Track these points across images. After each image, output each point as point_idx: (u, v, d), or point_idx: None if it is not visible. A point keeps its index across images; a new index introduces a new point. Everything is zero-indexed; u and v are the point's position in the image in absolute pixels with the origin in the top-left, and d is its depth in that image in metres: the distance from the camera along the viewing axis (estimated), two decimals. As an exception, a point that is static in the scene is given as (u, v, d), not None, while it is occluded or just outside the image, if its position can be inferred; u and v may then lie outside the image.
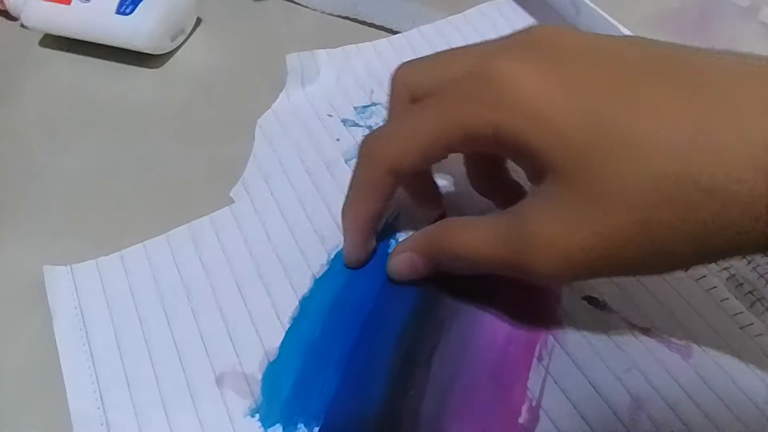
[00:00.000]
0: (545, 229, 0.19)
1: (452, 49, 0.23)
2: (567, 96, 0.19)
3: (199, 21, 0.39)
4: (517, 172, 0.24)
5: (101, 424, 0.22)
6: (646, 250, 0.18)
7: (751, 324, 0.24)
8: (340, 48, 0.35)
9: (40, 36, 0.38)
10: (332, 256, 0.26)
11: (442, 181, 0.28)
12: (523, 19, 0.36)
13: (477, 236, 0.22)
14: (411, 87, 0.23)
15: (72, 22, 0.35)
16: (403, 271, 0.24)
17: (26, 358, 0.24)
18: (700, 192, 0.17)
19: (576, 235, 0.19)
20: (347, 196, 0.25)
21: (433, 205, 0.26)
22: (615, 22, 0.33)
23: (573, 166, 0.19)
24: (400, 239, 0.26)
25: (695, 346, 0.23)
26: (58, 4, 0.35)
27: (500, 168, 0.26)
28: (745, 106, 0.17)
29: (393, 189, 0.23)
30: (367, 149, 0.23)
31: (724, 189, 0.17)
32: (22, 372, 0.24)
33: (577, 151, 0.18)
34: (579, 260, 0.19)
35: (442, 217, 0.27)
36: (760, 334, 0.24)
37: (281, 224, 0.27)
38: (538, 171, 0.20)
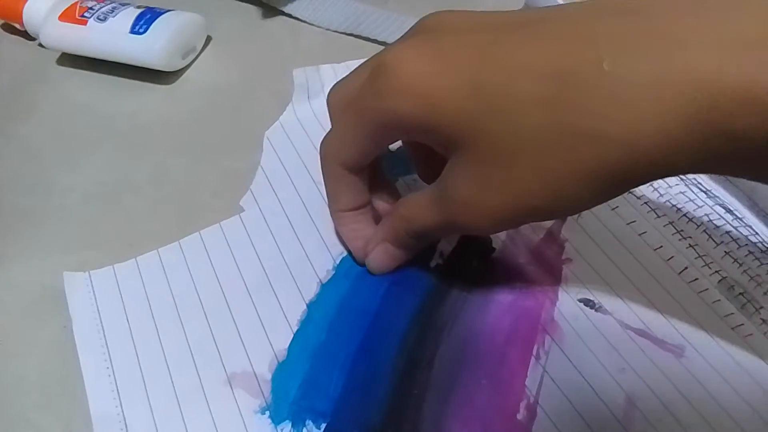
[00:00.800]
0: (461, 194, 0.21)
1: (372, 56, 0.25)
2: (447, 71, 0.20)
3: (209, 39, 0.40)
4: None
5: (119, 422, 0.23)
6: (547, 197, 0.19)
7: (742, 324, 0.25)
8: (344, 63, 0.36)
9: (58, 55, 0.39)
10: (338, 262, 0.27)
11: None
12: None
13: (419, 208, 0.24)
14: (340, 102, 0.25)
15: (88, 41, 0.37)
16: (384, 263, 0.26)
17: (46, 362, 0.25)
18: (575, 138, 0.18)
19: (487, 193, 0.20)
20: (327, 198, 0.27)
21: (389, 198, 0.28)
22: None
23: (467, 136, 0.20)
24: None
25: (688, 346, 0.24)
26: (75, 25, 0.36)
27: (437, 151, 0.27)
28: (600, 40, 0.17)
29: (355, 180, 0.25)
30: (321, 152, 0.25)
31: (593, 133, 0.17)
32: (43, 375, 0.25)
33: (465, 122, 0.20)
34: (497, 214, 0.21)
35: None
36: (751, 334, 0.25)
37: (289, 232, 0.29)
38: (442, 146, 0.21)
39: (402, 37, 0.23)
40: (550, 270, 0.27)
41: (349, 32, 0.40)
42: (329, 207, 0.27)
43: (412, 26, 0.23)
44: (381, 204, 0.27)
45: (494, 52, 0.19)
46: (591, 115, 0.17)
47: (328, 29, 0.40)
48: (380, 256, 0.26)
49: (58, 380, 0.25)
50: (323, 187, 0.30)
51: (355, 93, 0.23)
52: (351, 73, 0.25)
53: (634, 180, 0.18)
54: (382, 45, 0.39)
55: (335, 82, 0.26)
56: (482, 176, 0.20)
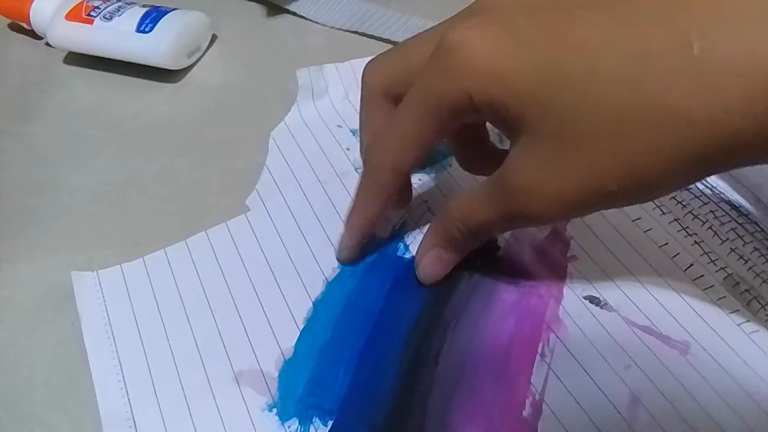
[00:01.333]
0: (528, 179, 0.20)
1: (413, 37, 0.25)
2: (517, 50, 0.19)
3: (214, 38, 0.40)
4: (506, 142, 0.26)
5: (128, 420, 0.23)
6: (626, 180, 0.19)
7: (747, 321, 0.25)
8: (347, 62, 0.36)
9: (64, 54, 0.39)
10: (343, 260, 0.27)
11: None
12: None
13: (475, 204, 0.23)
14: (383, 83, 0.24)
15: (94, 40, 0.37)
16: (436, 270, 0.26)
17: (54, 359, 0.26)
18: (660, 118, 0.17)
19: (558, 177, 0.20)
20: (355, 201, 0.26)
21: (405, 201, 0.28)
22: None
23: (539, 116, 0.19)
24: (408, 243, 0.28)
25: (693, 343, 0.24)
26: (82, 24, 0.37)
27: (484, 141, 0.27)
28: (684, 17, 0.17)
29: (398, 188, 0.24)
30: (371, 156, 0.24)
31: (679, 113, 0.17)
32: (51, 373, 0.25)
33: (538, 102, 0.19)
34: (568, 199, 0.20)
35: None
36: (756, 331, 0.25)
37: (294, 230, 0.29)
38: (511, 127, 0.21)
39: (460, 15, 0.23)
40: (555, 268, 0.27)
41: (353, 30, 0.40)
42: (355, 214, 0.26)
43: (468, 6, 0.22)
44: (393, 215, 0.28)
45: (572, 30, 0.19)
46: (678, 95, 0.17)
47: (332, 27, 0.40)
48: (433, 262, 0.25)
49: (66, 377, 0.25)
50: (329, 186, 0.30)
51: (408, 75, 0.22)
52: (390, 52, 0.25)
53: (719, 164, 0.18)
54: (386, 43, 0.39)
55: (369, 60, 0.25)
56: (554, 159, 0.20)
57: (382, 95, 0.25)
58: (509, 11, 0.21)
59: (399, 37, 0.38)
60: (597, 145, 0.19)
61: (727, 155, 0.17)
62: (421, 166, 0.31)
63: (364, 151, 0.25)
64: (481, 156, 0.27)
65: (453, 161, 0.30)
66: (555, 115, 0.19)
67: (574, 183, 0.19)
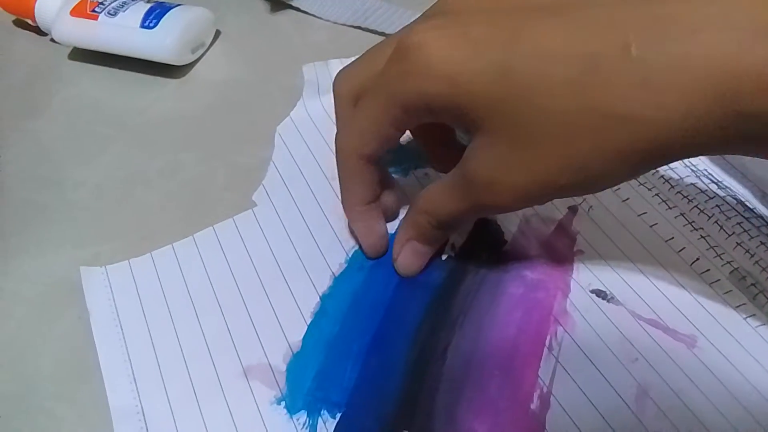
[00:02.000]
0: (486, 174, 0.21)
1: (380, 42, 0.25)
2: (475, 52, 0.20)
3: (218, 33, 0.40)
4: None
5: (137, 413, 0.23)
6: (573, 175, 0.20)
7: (753, 315, 0.25)
8: (353, 58, 0.36)
9: (69, 50, 0.39)
10: (350, 256, 0.28)
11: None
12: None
13: (441, 197, 0.24)
14: (351, 90, 0.25)
15: (99, 36, 0.37)
16: (414, 263, 0.26)
17: (61, 352, 0.26)
18: (603, 119, 0.18)
19: (512, 173, 0.21)
20: (341, 193, 0.27)
21: (393, 192, 0.28)
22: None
23: (492, 116, 0.20)
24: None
25: (700, 336, 0.24)
26: (86, 20, 0.37)
27: (451, 140, 0.28)
28: (625, 26, 0.18)
29: (370, 173, 0.25)
30: (337, 145, 0.25)
31: (621, 114, 0.18)
32: (58, 366, 0.25)
33: (491, 103, 0.20)
34: (523, 192, 0.21)
35: None
36: (763, 324, 0.25)
37: (302, 226, 0.29)
38: (467, 127, 0.21)
39: (421, 18, 0.23)
40: (561, 262, 0.27)
41: (356, 26, 0.40)
42: (343, 203, 0.27)
43: (432, 6, 0.23)
44: (388, 199, 0.27)
45: (524, 35, 0.19)
46: (620, 97, 0.18)
47: (335, 23, 0.40)
48: (409, 256, 0.26)
49: (73, 370, 0.25)
50: (335, 182, 0.30)
51: (373, 78, 0.23)
52: (358, 60, 0.25)
53: (661, 159, 0.19)
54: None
55: (339, 71, 0.26)
56: (507, 157, 0.21)
57: (351, 102, 0.25)
58: (466, 14, 0.21)
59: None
60: (546, 145, 0.20)
61: (672, 151, 0.19)
62: (390, 158, 0.31)
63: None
64: (450, 154, 0.27)
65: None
66: (508, 117, 0.20)
67: (527, 177, 0.21)
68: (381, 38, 0.38)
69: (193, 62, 0.38)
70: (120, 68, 0.38)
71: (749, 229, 0.27)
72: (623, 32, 0.18)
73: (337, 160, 0.26)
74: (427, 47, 0.21)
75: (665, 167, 0.30)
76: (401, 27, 0.38)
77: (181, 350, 0.25)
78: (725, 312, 0.25)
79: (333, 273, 0.27)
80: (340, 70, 0.26)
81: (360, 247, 0.27)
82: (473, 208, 0.23)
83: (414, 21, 0.23)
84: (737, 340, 0.24)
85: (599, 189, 0.22)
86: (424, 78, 0.21)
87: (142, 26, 0.36)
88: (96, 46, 0.38)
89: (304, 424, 0.23)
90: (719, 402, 0.23)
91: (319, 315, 0.26)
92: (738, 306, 0.25)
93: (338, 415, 0.23)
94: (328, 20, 0.41)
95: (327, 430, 0.23)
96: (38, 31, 0.40)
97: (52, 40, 0.39)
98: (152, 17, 0.36)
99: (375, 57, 0.24)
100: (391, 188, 0.28)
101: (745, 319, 0.25)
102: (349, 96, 0.25)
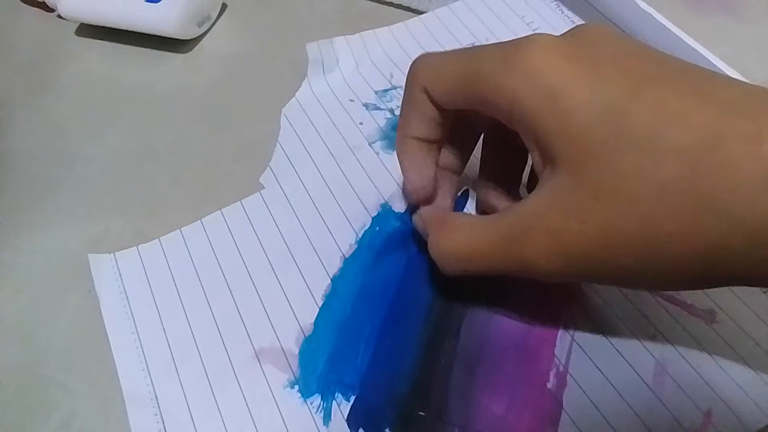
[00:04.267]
0: (543, 218, 0.19)
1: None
2: (590, 85, 0.18)
3: (224, 7, 0.40)
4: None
5: (151, 400, 0.23)
6: (643, 257, 0.18)
7: (773, 288, 0.24)
8: (357, 34, 0.36)
9: (76, 26, 0.39)
10: (360, 236, 0.27)
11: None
12: (542, 1, 0.37)
13: (471, 235, 0.21)
14: (430, 77, 0.23)
15: (105, 11, 0.37)
16: (418, 229, 0.26)
17: (72, 325, 0.26)
18: (703, 204, 0.16)
19: (575, 226, 0.18)
20: (398, 120, 0.25)
21: (459, 158, 0.26)
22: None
23: (580, 156, 0.18)
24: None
25: (719, 311, 0.24)
26: None
27: (518, 162, 0.25)
28: (761, 120, 0.16)
29: (435, 114, 0.23)
30: (411, 68, 0.23)
31: (725, 209, 0.16)
32: (69, 338, 0.26)
33: (587, 142, 0.18)
34: (576, 255, 0.19)
35: None
36: (783, 298, 0.24)
37: (310, 207, 0.28)
38: (544, 155, 0.19)
39: (546, 34, 0.21)
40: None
41: (363, -3, 0.39)
42: (398, 129, 0.24)
43: (571, 29, 0.21)
44: (449, 159, 0.25)
45: (650, 88, 0.18)
46: (732, 190, 0.16)
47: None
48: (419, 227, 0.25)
49: (85, 343, 0.25)
50: (343, 162, 0.30)
51: (478, 54, 0.21)
52: (459, 51, 0.23)
53: (729, 279, 0.18)
54: (399, 8, 0.38)
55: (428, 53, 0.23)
56: (578, 206, 0.18)
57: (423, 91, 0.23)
58: (601, 45, 0.19)
59: (415, 3, 0.38)
60: (631, 209, 0.17)
61: (746, 273, 0.17)
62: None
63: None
64: (507, 170, 0.25)
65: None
66: (601, 164, 0.18)
67: (590, 242, 0.18)
68: (390, 9, 0.38)
69: (199, 36, 0.38)
70: (127, 43, 0.38)
71: None
72: (759, 124, 0.16)
73: (407, 81, 0.23)
74: (545, 57, 0.19)
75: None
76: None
77: (193, 335, 0.25)
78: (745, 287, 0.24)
79: (343, 254, 0.27)
80: (424, 54, 0.23)
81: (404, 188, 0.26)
82: (504, 258, 0.20)
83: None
84: (757, 314, 0.24)
85: (663, 288, 0.20)
86: (527, 76, 0.19)
87: (148, 0, 0.36)
88: (102, 22, 0.37)
89: (318, 408, 0.23)
90: (739, 377, 0.22)
91: (331, 297, 0.25)
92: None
93: (352, 398, 0.23)
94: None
95: (341, 412, 0.23)
96: (45, 7, 0.40)
97: (59, 16, 0.39)
98: (156, -8, 0.36)
99: (474, 51, 0.22)
100: (459, 149, 0.25)
101: (765, 292, 0.24)
102: (424, 82, 0.23)
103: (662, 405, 0.22)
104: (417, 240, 0.26)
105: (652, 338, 0.23)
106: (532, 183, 0.25)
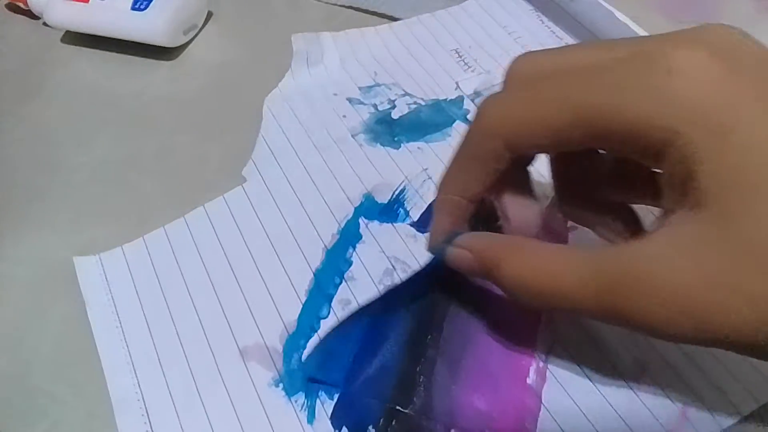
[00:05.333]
0: (668, 272, 0.16)
1: (580, 43, 0.20)
2: (758, 115, 0.15)
3: (210, 15, 0.40)
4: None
5: (138, 401, 0.23)
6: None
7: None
8: (343, 32, 0.36)
9: (62, 33, 0.39)
10: (342, 226, 0.27)
11: None
12: (523, 12, 0.37)
13: (556, 267, 0.18)
14: (533, 68, 0.19)
15: (90, 19, 0.37)
16: (460, 267, 0.21)
17: (59, 333, 0.26)
18: None
19: (720, 295, 0.15)
20: (448, 167, 0.21)
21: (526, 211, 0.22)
22: (611, 8, 0.33)
23: (749, 206, 0.15)
24: (408, 208, 0.28)
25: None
26: (77, 3, 0.36)
27: (601, 184, 0.21)
28: None
29: (503, 163, 0.19)
30: (482, 112, 0.20)
31: None
32: (56, 347, 0.26)
33: (750, 184, 0.15)
34: (714, 327, 0.15)
35: None
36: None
37: (292, 198, 0.29)
38: (688, 195, 0.16)
39: (674, 35, 0.17)
40: (557, 237, 0.27)
41: (349, 5, 0.39)
42: (444, 187, 0.22)
43: (688, 30, 0.17)
44: (517, 211, 0.21)
45: None
46: None
47: (328, 2, 0.40)
48: (460, 262, 0.21)
49: (72, 352, 0.25)
50: (325, 152, 0.30)
51: (596, 82, 0.17)
52: (560, 49, 0.20)
53: None
54: (382, 17, 0.38)
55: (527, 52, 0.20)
56: (730, 271, 0.15)
57: (522, 77, 0.20)
58: (736, 50, 0.16)
59: (397, 12, 0.38)
60: None
61: None
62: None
63: (478, 107, 0.20)
64: (595, 200, 0.22)
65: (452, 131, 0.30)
66: (760, 210, 0.14)
67: (735, 304, 0.15)
68: (375, 18, 0.38)
69: (185, 44, 0.38)
70: (113, 51, 0.38)
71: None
72: None
73: (470, 129, 0.20)
74: (694, 74, 0.15)
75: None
76: (396, 6, 0.38)
77: (178, 335, 0.25)
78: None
79: (325, 246, 0.27)
80: (529, 52, 0.20)
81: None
82: (600, 305, 0.17)
83: (664, 33, 0.17)
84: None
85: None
86: (685, 107, 0.15)
87: (133, 8, 0.36)
88: (88, 29, 0.37)
89: (302, 406, 0.23)
90: (716, 376, 0.23)
91: (314, 293, 0.26)
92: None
93: (336, 396, 0.23)
94: (321, 0, 0.40)
95: (326, 411, 0.23)
96: (31, 15, 0.40)
97: (45, 23, 0.39)
98: (143, -1, 0.36)
99: (586, 51, 0.18)
100: (521, 201, 0.21)
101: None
102: (532, 74, 0.19)
103: (641, 402, 0.22)
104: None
105: (632, 337, 0.24)
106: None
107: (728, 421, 0.22)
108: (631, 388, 0.22)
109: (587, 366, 0.23)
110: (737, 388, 0.22)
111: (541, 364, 0.23)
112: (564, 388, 0.23)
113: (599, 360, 0.23)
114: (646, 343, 0.23)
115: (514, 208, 0.22)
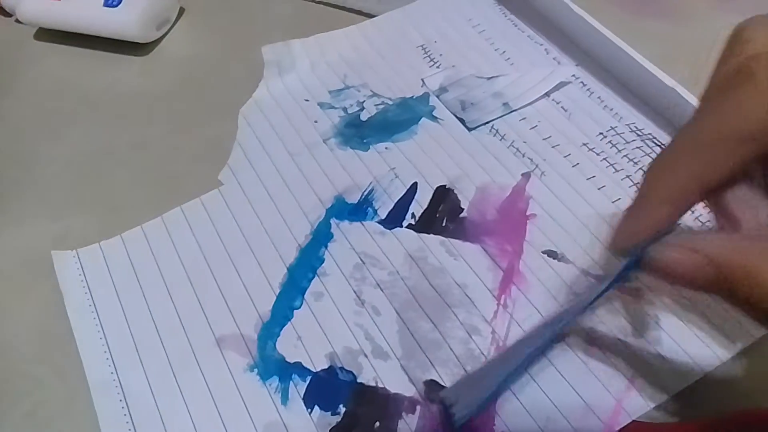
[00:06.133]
0: None
1: None
2: None
3: (182, 11, 0.41)
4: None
5: (116, 387, 0.24)
6: None
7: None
8: (312, 37, 0.37)
9: (34, 30, 0.40)
10: (315, 227, 0.29)
11: None
12: (487, 5, 0.39)
13: None
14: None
15: (63, 16, 0.37)
16: (680, 273, 0.17)
17: (37, 319, 0.27)
18: None
19: None
20: (674, 146, 0.18)
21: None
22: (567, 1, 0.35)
23: None
24: (377, 207, 0.29)
25: (645, 289, 0.26)
26: (50, 0, 0.37)
27: None
28: None
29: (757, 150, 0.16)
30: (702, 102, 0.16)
31: None
32: (35, 331, 0.27)
33: None
34: None
35: None
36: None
37: (267, 201, 0.30)
38: None
39: None
40: (515, 225, 0.28)
41: (320, 1, 0.40)
42: (658, 166, 0.18)
43: None
44: (748, 212, 0.18)
45: None
46: None
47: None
48: (686, 267, 0.17)
49: (50, 336, 0.26)
50: (298, 157, 0.31)
51: None
52: None
53: None
54: (351, 12, 0.39)
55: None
56: None
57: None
58: None
59: (367, 7, 0.39)
60: None
61: None
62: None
63: None
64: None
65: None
66: None
67: None
68: (345, 14, 0.39)
69: (158, 39, 0.39)
70: (86, 47, 0.39)
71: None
72: None
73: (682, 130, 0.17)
74: None
75: (613, 131, 0.32)
76: (365, 1, 0.39)
77: (155, 325, 0.26)
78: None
79: (299, 244, 0.28)
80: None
81: None
82: None
83: None
84: (679, 292, 0.26)
85: None
86: None
87: (106, 4, 0.37)
88: (61, 26, 0.38)
89: (276, 389, 0.24)
90: (664, 349, 0.24)
91: (287, 285, 0.27)
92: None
93: (308, 379, 0.24)
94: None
95: (298, 393, 0.24)
96: (3, 12, 0.41)
97: (18, 20, 0.39)
98: (114, -4, 0.37)
99: None
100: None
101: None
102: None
103: (593, 375, 0.24)
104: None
105: (583, 314, 0.25)
106: None
107: (674, 390, 0.23)
108: (583, 362, 0.24)
109: (543, 343, 0.25)
110: (685, 360, 0.24)
111: (501, 343, 0.25)
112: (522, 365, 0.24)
113: (553, 338, 0.25)
114: (597, 319, 0.25)
115: (743, 207, 0.18)
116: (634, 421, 0.23)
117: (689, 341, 0.25)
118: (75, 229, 0.30)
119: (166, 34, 0.39)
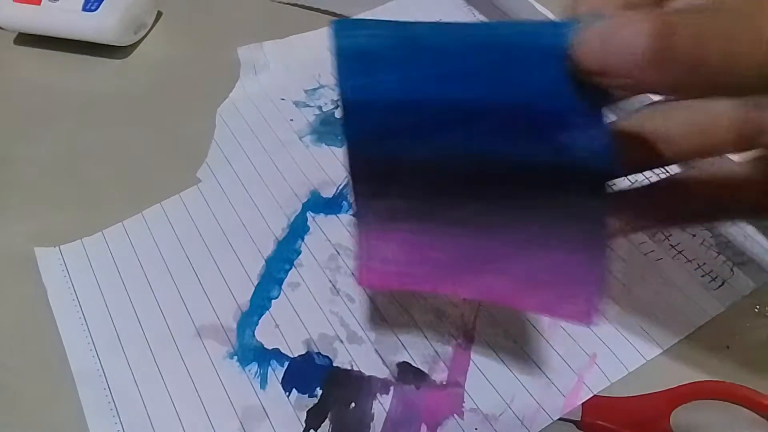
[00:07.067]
0: None
1: None
2: None
3: (159, 14, 0.42)
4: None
5: (100, 377, 0.25)
6: None
7: (653, 251, 0.28)
8: (287, 38, 0.38)
9: (14, 35, 0.40)
10: (291, 221, 0.30)
11: None
12: (455, 6, 0.40)
13: None
14: None
15: (42, 20, 0.38)
16: (614, 47, 0.13)
17: (20, 314, 0.28)
18: None
19: None
20: None
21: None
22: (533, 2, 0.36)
23: None
24: (351, 200, 0.30)
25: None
26: (29, 5, 0.38)
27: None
28: None
29: None
30: None
31: None
32: (18, 328, 0.27)
33: None
34: None
35: None
36: (660, 259, 0.28)
37: (245, 197, 0.31)
38: None
39: None
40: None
41: (292, 3, 0.41)
42: None
43: None
44: None
45: None
46: None
47: (273, 0, 0.42)
48: (628, 38, 0.13)
49: (33, 330, 0.27)
50: (274, 155, 0.32)
51: None
52: None
53: None
54: (325, 14, 0.40)
55: None
56: None
57: None
58: None
59: (339, 8, 0.40)
60: None
61: None
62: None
63: None
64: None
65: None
66: None
67: None
68: (318, 15, 0.40)
69: (136, 42, 0.40)
70: (65, 51, 0.39)
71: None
72: None
73: None
74: None
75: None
76: (338, 3, 0.40)
77: (137, 317, 0.27)
78: (629, 250, 0.28)
79: (276, 238, 0.29)
80: None
81: None
82: None
83: None
84: (641, 276, 0.27)
85: None
86: None
87: (84, 9, 0.37)
88: (40, 31, 0.39)
89: (255, 374, 0.25)
90: (622, 326, 0.26)
91: (265, 276, 0.28)
92: (640, 243, 0.28)
93: (286, 364, 0.25)
94: (265, -2, 0.42)
95: (276, 377, 0.25)
96: (-18, 17, 0.41)
97: (-2, 26, 0.40)
98: (93, 0, 0.37)
99: None
100: None
101: (645, 255, 0.28)
102: None
103: (553, 350, 0.25)
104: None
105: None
106: None
107: (633, 366, 0.25)
108: (543, 336, 0.25)
109: (510, 327, 0.26)
110: (644, 337, 0.25)
111: (470, 326, 0.26)
112: (490, 346, 0.25)
113: (520, 322, 0.26)
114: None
115: None
116: (594, 395, 0.24)
117: (648, 319, 0.26)
118: (56, 225, 0.30)
119: (144, 37, 0.40)
